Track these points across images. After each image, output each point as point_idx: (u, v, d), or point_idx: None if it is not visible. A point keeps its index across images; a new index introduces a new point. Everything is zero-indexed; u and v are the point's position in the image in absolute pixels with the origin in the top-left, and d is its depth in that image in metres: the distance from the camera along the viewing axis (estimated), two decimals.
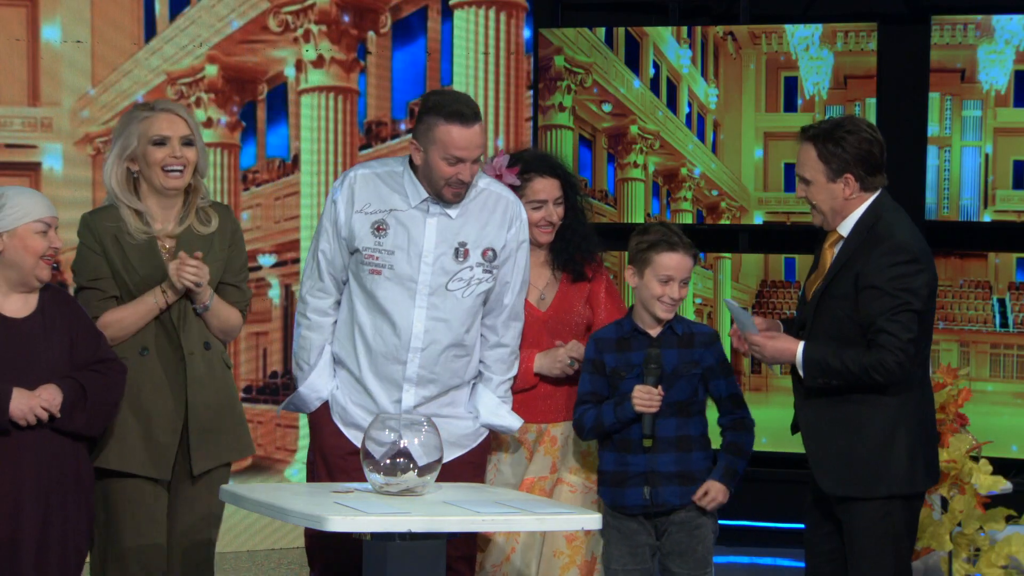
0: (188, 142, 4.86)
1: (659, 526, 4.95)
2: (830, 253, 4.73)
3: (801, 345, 4.65)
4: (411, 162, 4.90)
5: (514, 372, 5.06)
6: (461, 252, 4.89)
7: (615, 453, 4.95)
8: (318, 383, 4.94)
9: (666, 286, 4.91)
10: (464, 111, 4.78)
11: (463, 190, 4.86)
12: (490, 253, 4.92)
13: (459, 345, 4.91)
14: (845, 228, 4.69)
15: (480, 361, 5.00)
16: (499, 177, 5.10)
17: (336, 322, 4.96)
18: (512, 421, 5.01)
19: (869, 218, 4.66)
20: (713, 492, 4.89)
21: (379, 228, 4.86)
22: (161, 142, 4.83)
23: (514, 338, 5.04)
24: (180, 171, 4.85)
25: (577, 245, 5.18)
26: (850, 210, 4.68)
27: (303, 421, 7.36)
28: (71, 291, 4.95)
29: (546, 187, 5.14)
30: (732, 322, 4.85)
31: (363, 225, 4.86)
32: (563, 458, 5.14)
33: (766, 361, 4.79)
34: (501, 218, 4.95)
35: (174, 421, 4.84)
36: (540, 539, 5.08)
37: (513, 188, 5.08)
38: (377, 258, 4.85)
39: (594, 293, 5.21)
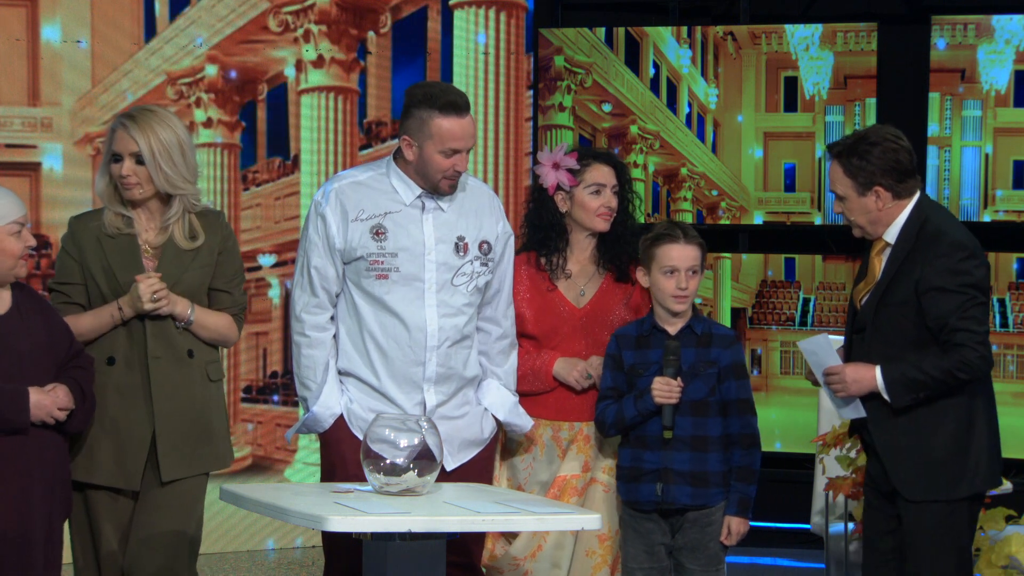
0: (139, 160, 4.75)
1: (674, 524, 4.96)
2: (879, 261, 4.69)
3: (878, 370, 4.60)
4: (395, 160, 4.89)
5: (514, 361, 5.06)
6: (461, 247, 4.89)
7: (631, 449, 4.96)
8: (330, 400, 4.87)
9: (671, 278, 4.92)
10: (458, 101, 4.77)
11: (457, 180, 4.86)
12: (485, 246, 4.93)
13: (467, 337, 4.93)
14: (891, 235, 4.66)
15: (482, 354, 5.01)
16: (555, 166, 5.11)
17: (335, 336, 4.92)
18: (527, 421, 5.03)
19: (915, 221, 4.63)
20: (735, 527, 4.93)
21: (378, 232, 4.83)
22: (118, 158, 4.76)
23: (512, 325, 5.05)
24: (132, 185, 4.78)
25: (627, 242, 5.15)
26: (891, 218, 4.65)
27: None
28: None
29: (604, 173, 5.12)
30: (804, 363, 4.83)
31: (361, 232, 4.83)
32: (596, 457, 5.12)
33: (848, 392, 4.69)
34: (489, 210, 4.97)
35: (142, 430, 4.77)
36: (572, 538, 5.06)
37: (571, 173, 5.09)
38: (382, 262, 4.83)
39: (637, 302, 5.17)
